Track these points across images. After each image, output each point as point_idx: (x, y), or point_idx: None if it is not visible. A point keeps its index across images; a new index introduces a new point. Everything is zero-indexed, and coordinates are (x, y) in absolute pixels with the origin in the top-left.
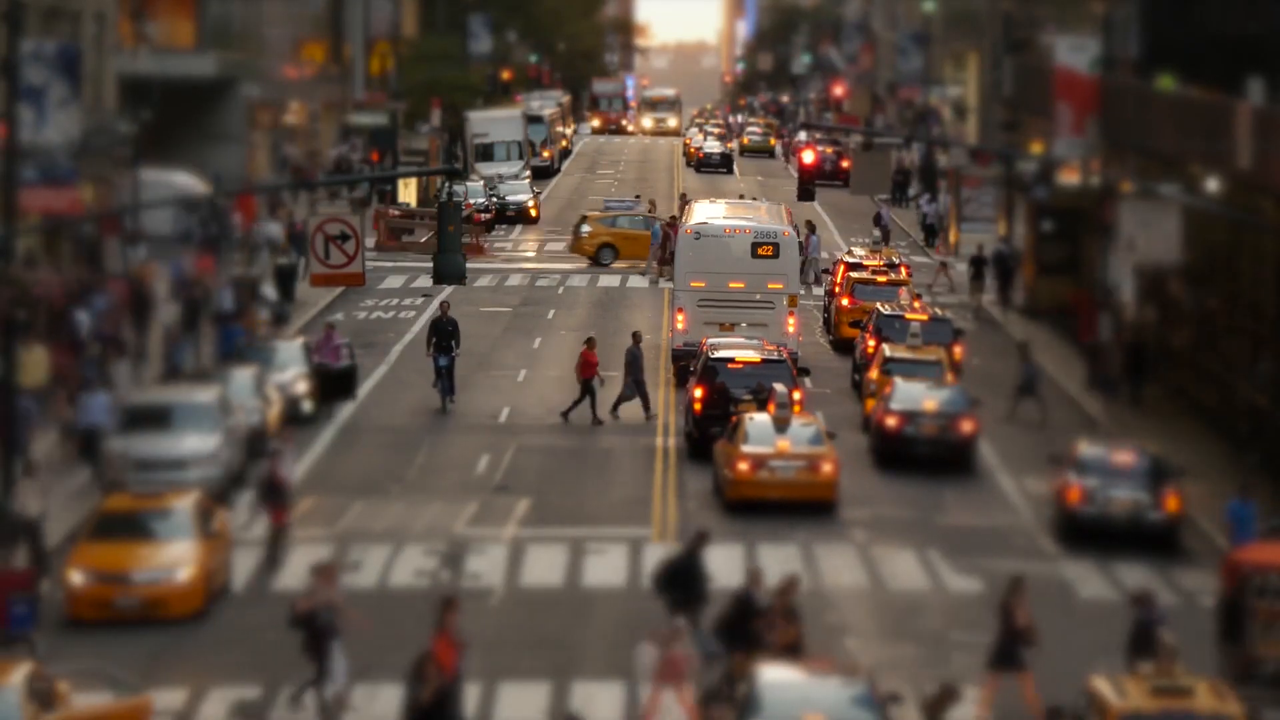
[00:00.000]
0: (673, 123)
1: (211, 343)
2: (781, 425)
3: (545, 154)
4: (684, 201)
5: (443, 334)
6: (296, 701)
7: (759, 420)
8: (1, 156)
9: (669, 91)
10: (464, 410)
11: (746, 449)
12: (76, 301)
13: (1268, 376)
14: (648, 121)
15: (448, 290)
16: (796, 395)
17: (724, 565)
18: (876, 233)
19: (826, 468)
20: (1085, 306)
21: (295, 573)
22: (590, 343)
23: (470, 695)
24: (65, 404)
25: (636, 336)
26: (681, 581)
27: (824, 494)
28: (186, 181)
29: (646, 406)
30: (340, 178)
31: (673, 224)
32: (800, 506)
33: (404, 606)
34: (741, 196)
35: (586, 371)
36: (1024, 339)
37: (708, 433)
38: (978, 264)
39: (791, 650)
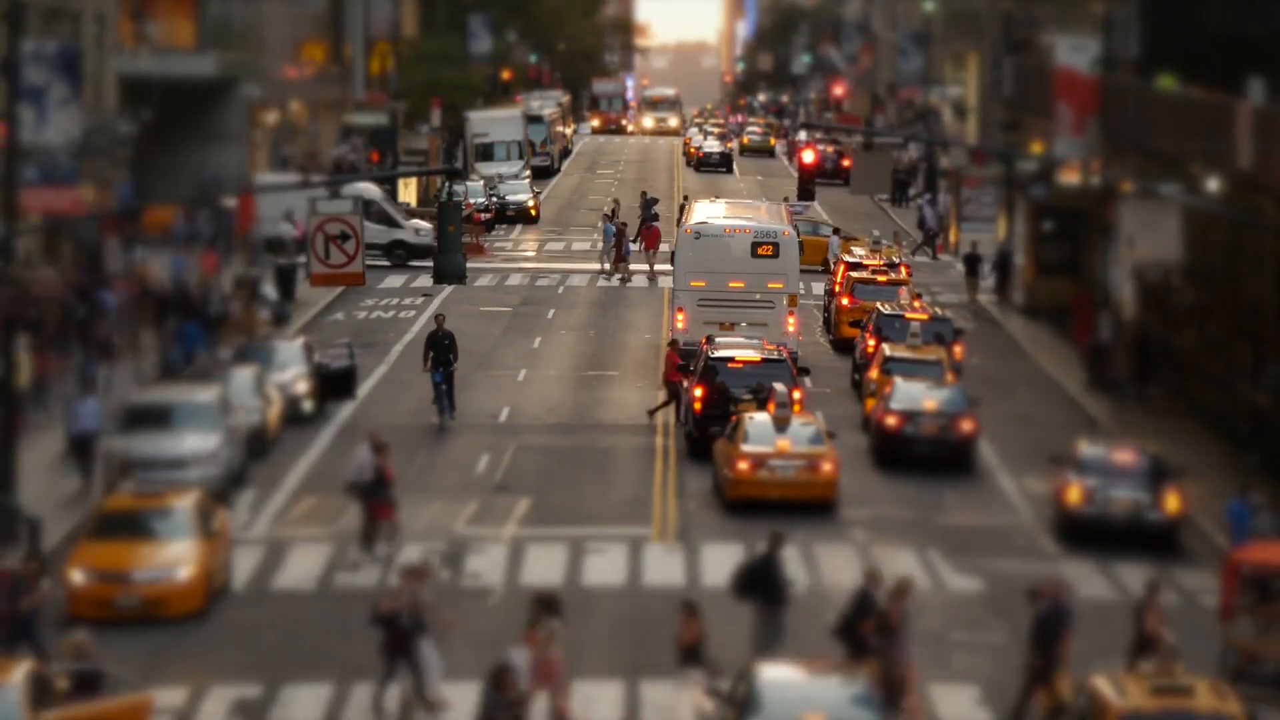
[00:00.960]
0: (674, 122)
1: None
2: (781, 425)
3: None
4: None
5: (439, 349)
6: (379, 703)
7: (759, 420)
8: (2, 156)
9: (670, 91)
10: (464, 410)
11: (746, 448)
12: (90, 298)
13: (1276, 380)
14: (648, 121)
15: (447, 290)
16: (796, 395)
17: (724, 565)
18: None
19: (826, 467)
20: (1084, 307)
21: (296, 573)
22: (674, 344)
23: (470, 695)
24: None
25: (710, 340)
26: (761, 584)
27: (824, 493)
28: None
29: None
30: (341, 178)
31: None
32: (800, 506)
33: None
34: (786, 199)
35: (673, 374)
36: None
37: (708, 432)
38: (972, 261)
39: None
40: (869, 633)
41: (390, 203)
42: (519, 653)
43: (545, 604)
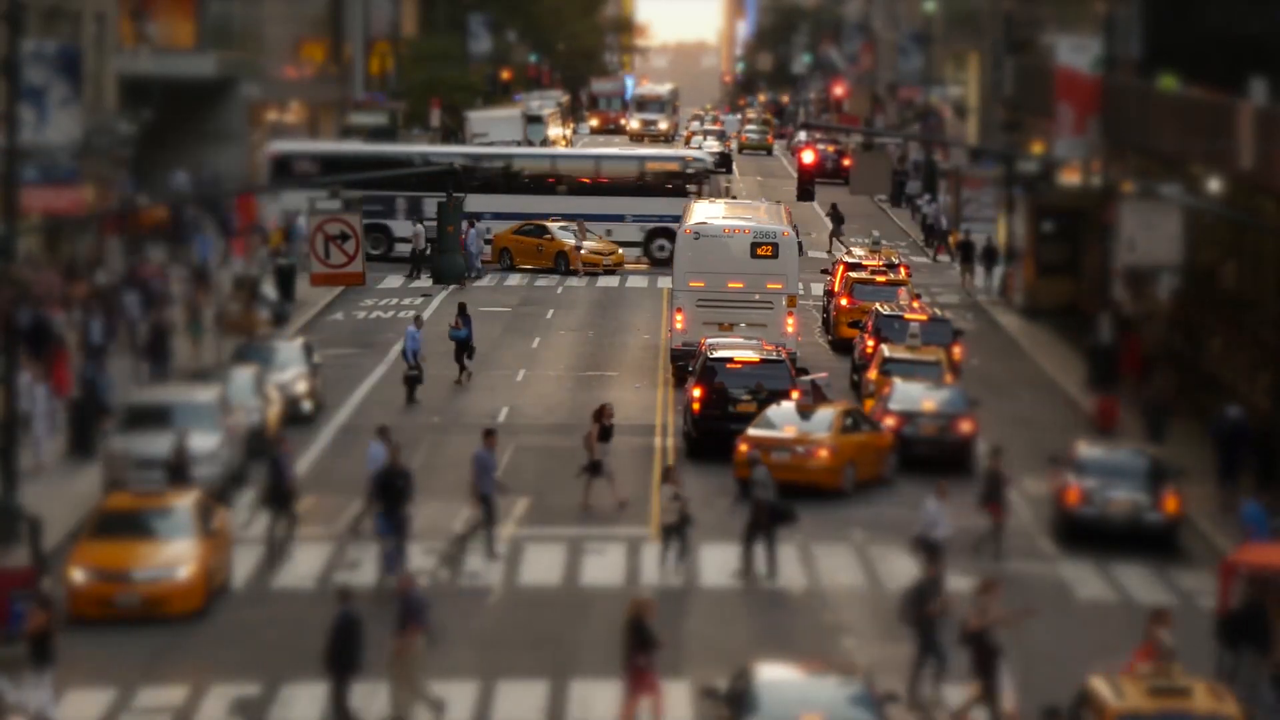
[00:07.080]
0: (663, 125)
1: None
2: (805, 412)
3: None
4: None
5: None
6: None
7: (784, 408)
8: (2, 156)
9: (661, 89)
10: (464, 410)
11: (752, 432)
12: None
13: None
14: (634, 123)
15: (446, 290)
16: (794, 395)
17: (723, 564)
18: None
19: (822, 453)
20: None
21: (296, 573)
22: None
23: (468, 694)
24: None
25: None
26: (1247, 632)
27: (818, 479)
28: None
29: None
30: (341, 177)
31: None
32: (795, 491)
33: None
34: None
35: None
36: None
37: (706, 432)
38: (966, 249)
39: None
40: None
41: None
42: None
43: None
